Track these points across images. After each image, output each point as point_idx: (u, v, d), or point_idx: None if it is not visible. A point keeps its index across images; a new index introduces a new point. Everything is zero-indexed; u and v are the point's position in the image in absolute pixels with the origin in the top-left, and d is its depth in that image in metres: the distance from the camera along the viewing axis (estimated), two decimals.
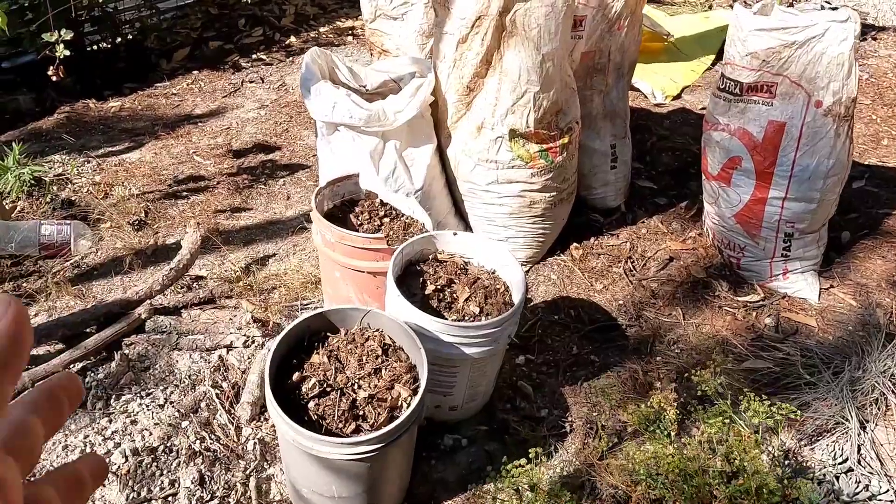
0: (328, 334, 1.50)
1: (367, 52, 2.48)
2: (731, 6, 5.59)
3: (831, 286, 2.30)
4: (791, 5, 5.16)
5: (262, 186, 2.75)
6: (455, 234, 1.80)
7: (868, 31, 4.73)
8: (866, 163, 3.06)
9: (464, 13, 1.93)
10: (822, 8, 2.17)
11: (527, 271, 2.33)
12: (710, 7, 6.12)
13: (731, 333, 2.11)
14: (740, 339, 2.08)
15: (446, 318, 1.65)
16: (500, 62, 1.98)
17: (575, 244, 2.43)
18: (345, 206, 1.99)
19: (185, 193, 2.72)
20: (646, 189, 2.77)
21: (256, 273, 2.24)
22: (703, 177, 2.38)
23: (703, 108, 3.37)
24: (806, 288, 2.26)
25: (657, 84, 3.58)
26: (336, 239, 1.76)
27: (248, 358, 1.85)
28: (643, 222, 2.60)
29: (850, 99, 2.05)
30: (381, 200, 2.03)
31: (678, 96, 3.58)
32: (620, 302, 2.21)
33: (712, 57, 4.12)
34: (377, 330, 1.51)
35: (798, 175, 2.13)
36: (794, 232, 2.23)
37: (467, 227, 2.39)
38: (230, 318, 1.95)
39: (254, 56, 4.41)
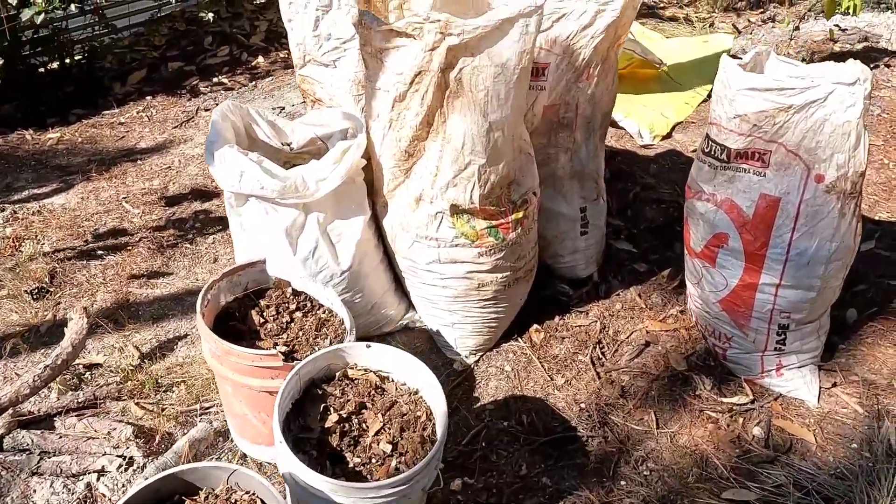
0: (184, 498, 1.18)
1: (302, 98, 2.17)
2: (736, 32, 5.25)
3: (833, 384, 1.96)
4: (797, 28, 4.81)
5: (188, 246, 2.43)
6: (369, 345, 1.47)
7: (880, 56, 4.38)
8: (876, 218, 2.71)
9: (400, 67, 1.61)
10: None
11: (476, 361, 2.00)
12: (712, 24, 5.78)
13: (712, 448, 1.77)
14: (723, 456, 1.75)
15: (348, 461, 1.32)
16: (444, 126, 1.66)
17: (536, 326, 2.10)
18: (248, 300, 1.67)
19: (101, 252, 2.41)
20: (623, 253, 2.43)
21: (158, 362, 1.92)
22: (685, 251, 2.05)
23: (696, 151, 3.04)
24: (803, 387, 1.92)
25: (645, 121, 3.24)
26: (222, 352, 1.44)
27: (123, 486, 1.53)
28: (618, 294, 2.26)
29: (857, 174, 1.71)
30: (294, 289, 1.71)
31: (668, 135, 3.24)
32: (583, 404, 1.88)
33: (709, 87, 3.77)
34: (248, 492, 1.19)
35: (795, 259, 1.80)
36: (790, 323, 1.89)
37: (410, 305, 2.07)
38: (109, 431, 1.63)
39: (215, 80, 4.10)
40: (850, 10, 3.70)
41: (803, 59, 4.42)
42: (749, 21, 5.70)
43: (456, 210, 1.75)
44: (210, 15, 4.19)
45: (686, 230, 2.02)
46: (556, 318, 2.14)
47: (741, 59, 1.89)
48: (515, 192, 1.80)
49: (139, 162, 3.11)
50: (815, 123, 1.66)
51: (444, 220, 1.77)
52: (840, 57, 4.45)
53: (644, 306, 2.22)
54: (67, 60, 3.90)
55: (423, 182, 1.74)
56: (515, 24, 1.50)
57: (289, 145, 1.95)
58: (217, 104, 3.75)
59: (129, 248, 2.42)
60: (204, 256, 2.38)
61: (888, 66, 4.23)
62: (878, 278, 2.36)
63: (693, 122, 3.38)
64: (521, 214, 1.82)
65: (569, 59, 1.95)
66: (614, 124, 3.22)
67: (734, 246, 1.86)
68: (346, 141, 1.79)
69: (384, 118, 1.72)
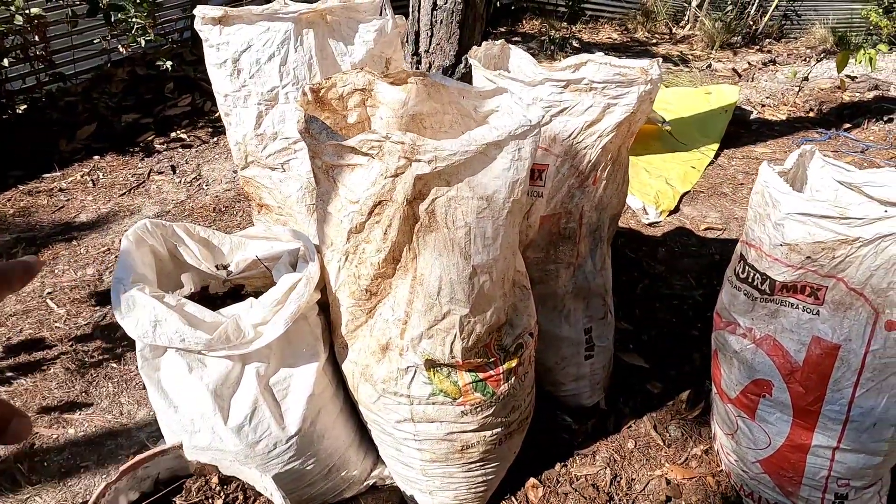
0: None
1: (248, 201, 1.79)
2: (736, 76, 4.95)
3: None
4: (806, 79, 4.50)
5: (114, 365, 2.03)
6: None
7: (894, 108, 4.09)
8: None
9: (356, 193, 1.24)
10: None
11: None
12: (710, 66, 5.49)
13: None
14: None
15: None
16: (414, 263, 1.28)
17: (533, 480, 1.72)
18: (161, 498, 1.28)
19: (10, 374, 2.00)
20: (634, 369, 2.06)
21: None
22: (714, 390, 1.68)
23: (708, 229, 2.69)
24: None
25: (649, 194, 2.90)
26: None
27: None
28: (630, 427, 1.89)
29: None
30: (223, 477, 1.32)
31: (676, 209, 2.89)
32: None
33: (715, 147, 3.45)
34: None
35: (858, 420, 1.44)
36: (849, 492, 1.53)
37: (379, 458, 1.68)
38: None
39: (173, 134, 3.72)
40: (867, 64, 3.40)
41: (811, 110, 4.13)
42: (749, 63, 5.41)
43: (432, 364, 1.38)
44: (168, 63, 3.81)
45: (715, 367, 1.66)
46: (558, 466, 1.76)
47: (782, 165, 1.54)
48: (507, 336, 1.43)
49: (75, 242, 2.71)
50: (888, 261, 1.31)
51: (417, 375, 1.40)
52: (850, 108, 4.15)
53: (661, 443, 1.85)
54: (8, 112, 3.52)
55: (389, 329, 1.37)
56: (505, 148, 1.14)
57: (226, 268, 1.57)
58: (173, 165, 3.36)
59: (45, 367, 2.02)
60: (133, 380, 1.98)
61: None
62: None
63: (701, 192, 3.04)
64: (514, 362, 1.45)
65: (571, 160, 1.59)
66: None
67: (779, 397, 1.50)
68: (293, 274, 1.41)
69: (339, 249, 1.35)
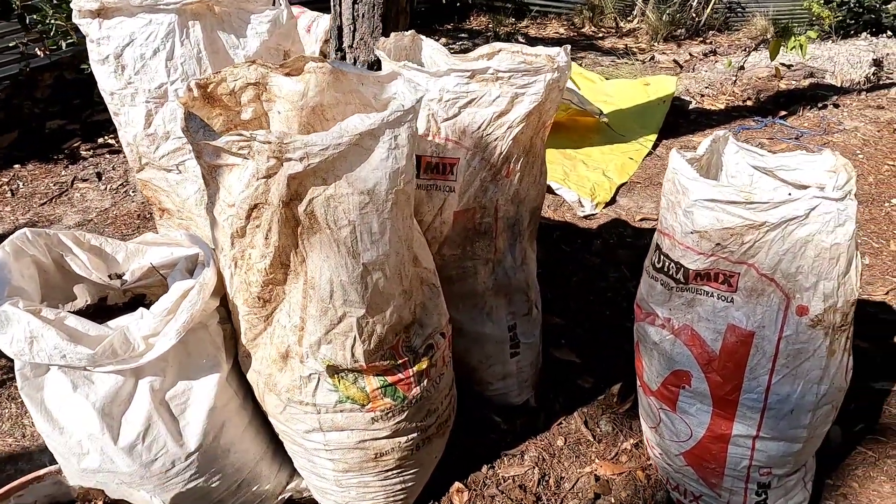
0: None
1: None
2: (678, 68, 4.98)
3: None
4: (742, 67, 4.55)
5: (15, 387, 1.91)
6: None
7: (828, 94, 4.16)
8: None
9: (231, 198, 1.17)
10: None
11: None
12: (653, 58, 5.52)
13: None
14: None
15: None
16: (304, 267, 1.22)
17: (458, 484, 1.66)
18: None
19: None
20: (566, 364, 2.03)
21: None
22: (638, 382, 1.65)
23: (643, 220, 2.68)
24: None
25: (585, 187, 2.87)
26: None
27: None
28: (561, 424, 1.85)
29: (848, 303, 1.34)
30: (109, 501, 1.23)
31: (612, 200, 2.87)
32: None
33: (653, 137, 3.45)
34: None
35: (775, 407, 1.41)
36: (772, 480, 1.51)
37: (295, 470, 1.61)
38: None
39: (100, 140, 3.58)
40: (798, 51, 3.43)
41: (748, 98, 4.17)
42: (690, 54, 5.47)
43: (336, 370, 1.31)
44: None
45: (638, 359, 1.62)
46: (485, 468, 1.71)
47: (695, 152, 1.52)
48: (416, 336, 1.37)
49: None
50: (795, 245, 1.29)
51: (321, 383, 1.33)
52: (787, 95, 4.21)
53: (592, 438, 1.82)
54: None
55: (287, 336, 1.30)
56: (380, 137, 1.08)
57: (120, 277, 1.48)
58: (98, 172, 3.23)
59: None
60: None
61: (836, 105, 3.99)
62: (861, 380, 2.01)
63: (638, 183, 3.03)
64: (425, 364, 1.39)
65: (482, 153, 1.54)
66: (550, 191, 2.84)
67: (699, 388, 1.47)
68: (186, 281, 1.33)
69: (228, 255, 1.28)
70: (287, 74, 1.35)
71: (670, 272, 1.45)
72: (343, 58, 2.52)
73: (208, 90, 1.33)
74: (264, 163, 1.09)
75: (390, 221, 1.15)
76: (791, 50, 3.53)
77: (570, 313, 2.22)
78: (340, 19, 2.45)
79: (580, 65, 5.16)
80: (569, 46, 1.59)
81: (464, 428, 1.76)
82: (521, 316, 1.78)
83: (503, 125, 1.52)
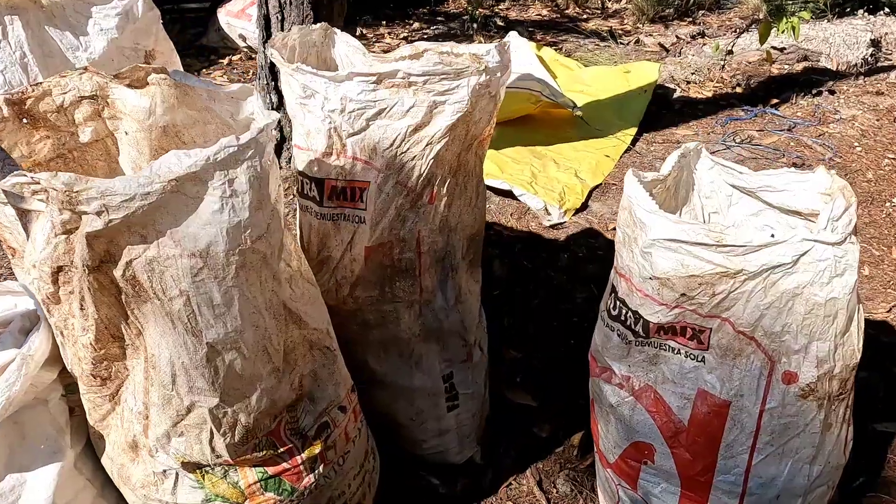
0: None
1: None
2: (663, 52, 4.66)
3: None
4: (731, 52, 4.24)
5: None
6: None
7: (823, 80, 3.85)
8: None
9: (34, 256, 0.88)
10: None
11: None
12: (638, 41, 5.20)
13: None
14: None
15: None
16: (141, 340, 0.93)
17: None
18: None
19: None
20: (519, 409, 1.75)
21: None
22: (595, 450, 1.37)
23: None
24: None
25: (554, 191, 2.58)
26: None
27: None
28: (510, 485, 1.58)
29: (849, 368, 1.06)
30: None
31: (584, 206, 2.58)
32: None
33: (633, 131, 3.15)
34: None
35: (757, 493, 1.14)
36: None
37: None
38: None
39: None
40: (789, 34, 3.13)
41: (738, 85, 3.86)
42: (677, 37, 5.14)
43: (195, 466, 1.03)
44: None
45: (593, 421, 1.35)
46: None
47: (658, 172, 1.23)
48: (306, 415, 1.09)
49: None
50: (781, 299, 1.00)
51: (181, 479, 1.05)
52: (779, 81, 3.90)
53: (546, 502, 1.54)
54: None
55: (133, 424, 1.02)
56: (208, 182, 0.79)
57: None
58: None
59: None
60: None
61: (832, 91, 3.69)
62: (861, 420, 1.73)
63: (614, 185, 2.73)
64: (318, 448, 1.11)
65: (397, 175, 1.25)
66: (513, 197, 2.55)
67: (664, 465, 1.19)
68: (6, 352, 1.04)
69: (52, 322, 0.99)
70: (129, 86, 1.05)
71: (628, 322, 1.17)
72: None
73: (25, 106, 1.03)
74: (58, 215, 0.80)
75: (238, 290, 0.87)
76: (782, 33, 3.22)
77: (529, 343, 1.94)
78: (266, 6, 2.14)
79: (559, 50, 4.84)
80: (508, 42, 1.29)
81: (394, 495, 1.49)
82: (459, 363, 1.49)
83: (421, 141, 1.23)
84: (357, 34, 5.29)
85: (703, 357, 1.11)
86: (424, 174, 1.25)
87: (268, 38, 2.18)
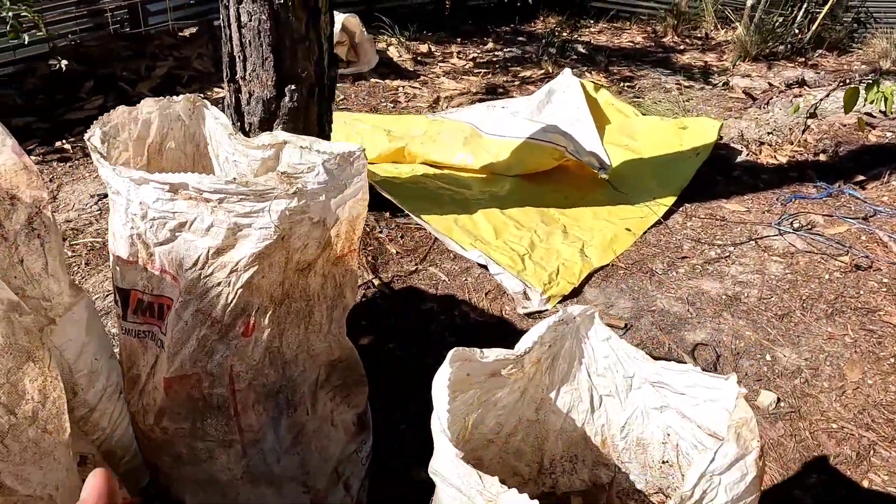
0: None
1: None
2: (749, 101, 4.13)
3: None
4: (814, 115, 3.66)
5: None
6: None
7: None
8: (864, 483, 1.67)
9: None
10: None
11: None
12: (727, 84, 4.66)
13: None
14: None
15: None
16: None
17: None
18: None
19: None
20: None
21: None
22: None
23: (611, 324, 2.04)
24: None
25: (544, 270, 2.25)
26: None
27: None
28: None
29: None
30: None
31: (578, 290, 2.24)
32: None
33: (669, 201, 2.76)
34: None
35: None
36: None
37: None
38: None
39: (58, 144, 3.32)
40: (879, 104, 2.61)
41: (822, 152, 3.32)
42: (770, 84, 4.55)
43: None
44: (63, 63, 3.40)
45: None
46: None
47: (535, 335, 0.93)
48: None
49: None
50: None
51: None
52: (874, 153, 3.31)
53: None
54: None
55: None
56: None
57: None
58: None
59: None
60: None
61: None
62: None
63: (622, 268, 2.37)
64: None
65: (198, 303, 1.02)
66: (486, 268, 2.24)
67: None
68: None
69: None
70: None
71: None
72: (238, 90, 2.04)
73: None
74: None
75: None
76: (871, 103, 2.69)
77: None
78: (231, 44, 1.97)
79: (633, 87, 4.43)
80: (356, 152, 1.03)
81: None
82: None
83: (226, 267, 0.99)
84: (425, 51, 5.10)
85: None
86: (233, 304, 1.02)
87: (233, 76, 2.01)
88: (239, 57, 1.97)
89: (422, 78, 4.51)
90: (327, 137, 2.23)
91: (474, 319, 2.08)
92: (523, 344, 0.94)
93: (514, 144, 2.80)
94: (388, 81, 4.34)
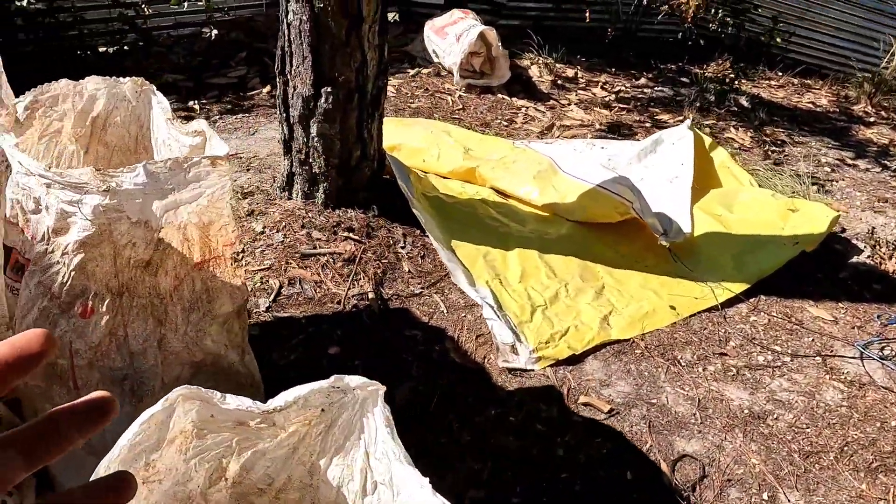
0: None
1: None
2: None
3: None
4: None
5: None
6: None
7: None
8: None
9: None
10: None
11: None
12: (827, 188, 4.03)
13: None
14: None
15: None
16: None
17: None
18: None
19: None
20: None
21: None
22: None
23: (587, 405, 1.87)
24: None
25: (551, 326, 2.08)
26: None
27: None
28: None
29: None
30: None
31: (579, 358, 2.04)
32: None
33: (740, 288, 2.43)
34: None
35: None
36: None
37: None
38: None
39: (183, 104, 3.67)
40: None
41: None
42: None
43: None
44: (213, 32, 3.74)
45: None
46: None
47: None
48: None
49: None
50: None
51: None
52: None
53: None
54: (87, 52, 3.75)
55: None
56: None
57: None
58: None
59: None
60: None
61: None
62: None
63: (639, 347, 2.12)
64: None
65: (41, 275, 1.07)
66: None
67: None
68: None
69: None
70: None
71: None
72: (286, 83, 2.11)
73: None
74: None
75: None
76: None
77: None
78: (284, 39, 2.04)
79: (782, 152, 3.95)
80: (193, 162, 1.01)
81: None
82: None
83: (60, 247, 1.03)
84: (570, 75, 4.94)
85: None
86: (68, 284, 1.05)
87: (282, 70, 2.08)
88: (287, 52, 2.04)
89: (551, 102, 4.38)
90: (367, 143, 2.24)
91: (450, 360, 1.98)
92: (275, 401, 0.86)
93: (584, 188, 2.62)
94: (514, 99, 4.27)
